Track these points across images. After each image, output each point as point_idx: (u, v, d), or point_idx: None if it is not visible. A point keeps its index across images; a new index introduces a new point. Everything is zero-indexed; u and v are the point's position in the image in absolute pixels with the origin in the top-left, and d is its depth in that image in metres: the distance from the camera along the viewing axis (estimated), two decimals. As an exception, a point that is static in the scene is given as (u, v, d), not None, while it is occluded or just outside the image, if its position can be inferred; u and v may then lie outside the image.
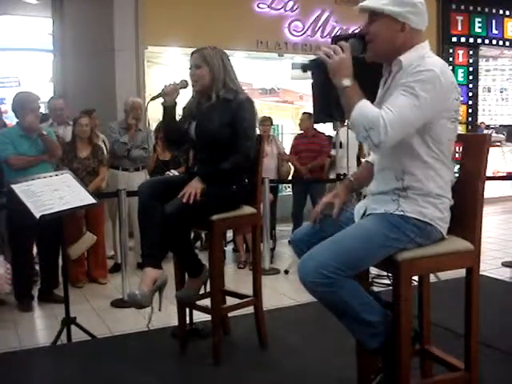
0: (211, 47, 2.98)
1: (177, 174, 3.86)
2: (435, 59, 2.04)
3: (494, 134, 10.91)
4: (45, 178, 3.54)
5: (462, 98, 2.03)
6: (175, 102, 3.00)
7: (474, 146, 2.20)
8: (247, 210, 3.09)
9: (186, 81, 3.01)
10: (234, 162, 2.91)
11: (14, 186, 3.30)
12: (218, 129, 2.91)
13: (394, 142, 1.93)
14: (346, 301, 2.02)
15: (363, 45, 2.12)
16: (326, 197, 2.30)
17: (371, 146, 1.95)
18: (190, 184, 2.85)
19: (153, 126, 7.46)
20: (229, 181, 2.95)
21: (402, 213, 2.07)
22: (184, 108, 3.11)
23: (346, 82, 2.00)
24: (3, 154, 4.48)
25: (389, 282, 4.63)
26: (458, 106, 2.07)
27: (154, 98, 3.01)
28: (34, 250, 4.94)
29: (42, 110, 7.89)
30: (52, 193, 3.40)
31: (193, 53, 2.99)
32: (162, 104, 3.00)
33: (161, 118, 3.10)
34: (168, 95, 2.96)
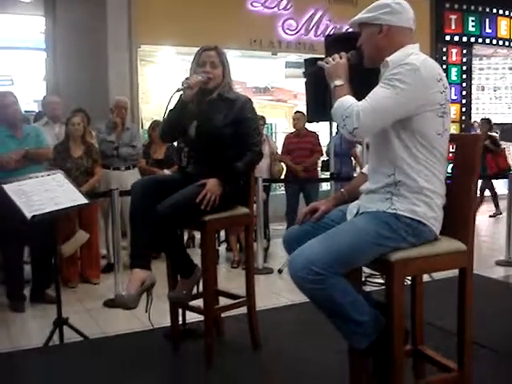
0: (220, 48, 2.98)
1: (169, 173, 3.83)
2: (420, 55, 2.09)
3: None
4: (37, 178, 3.51)
5: (449, 93, 2.04)
6: (193, 97, 2.88)
7: (466, 145, 2.20)
8: (240, 210, 3.07)
9: (207, 76, 2.90)
10: (247, 160, 2.92)
11: (5, 186, 3.28)
12: (221, 128, 2.89)
13: (367, 129, 2.01)
14: (335, 299, 2.01)
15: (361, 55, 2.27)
16: (317, 202, 2.40)
17: (347, 134, 2.03)
18: (209, 187, 2.79)
19: (146, 125, 7.44)
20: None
21: (394, 211, 2.08)
22: (181, 103, 2.88)
23: (338, 81, 2.15)
24: None
25: (382, 282, 4.63)
26: (446, 100, 2.08)
27: (179, 90, 2.82)
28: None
29: (36, 108, 7.86)
30: (44, 193, 3.38)
31: (206, 50, 2.94)
32: (181, 96, 2.84)
33: (161, 112, 2.96)
34: (191, 88, 2.82)
